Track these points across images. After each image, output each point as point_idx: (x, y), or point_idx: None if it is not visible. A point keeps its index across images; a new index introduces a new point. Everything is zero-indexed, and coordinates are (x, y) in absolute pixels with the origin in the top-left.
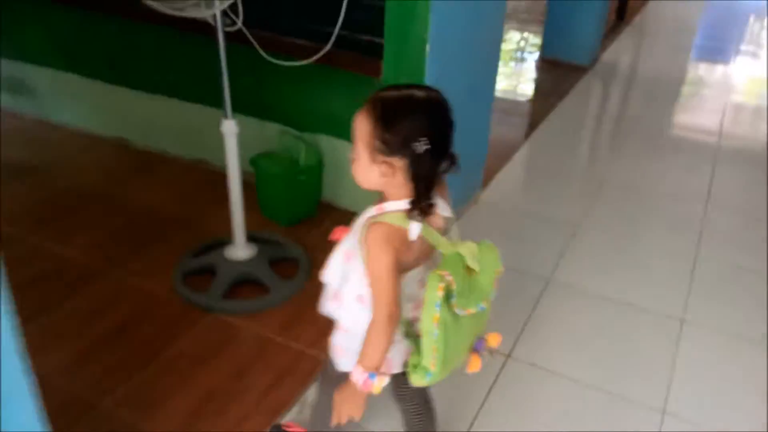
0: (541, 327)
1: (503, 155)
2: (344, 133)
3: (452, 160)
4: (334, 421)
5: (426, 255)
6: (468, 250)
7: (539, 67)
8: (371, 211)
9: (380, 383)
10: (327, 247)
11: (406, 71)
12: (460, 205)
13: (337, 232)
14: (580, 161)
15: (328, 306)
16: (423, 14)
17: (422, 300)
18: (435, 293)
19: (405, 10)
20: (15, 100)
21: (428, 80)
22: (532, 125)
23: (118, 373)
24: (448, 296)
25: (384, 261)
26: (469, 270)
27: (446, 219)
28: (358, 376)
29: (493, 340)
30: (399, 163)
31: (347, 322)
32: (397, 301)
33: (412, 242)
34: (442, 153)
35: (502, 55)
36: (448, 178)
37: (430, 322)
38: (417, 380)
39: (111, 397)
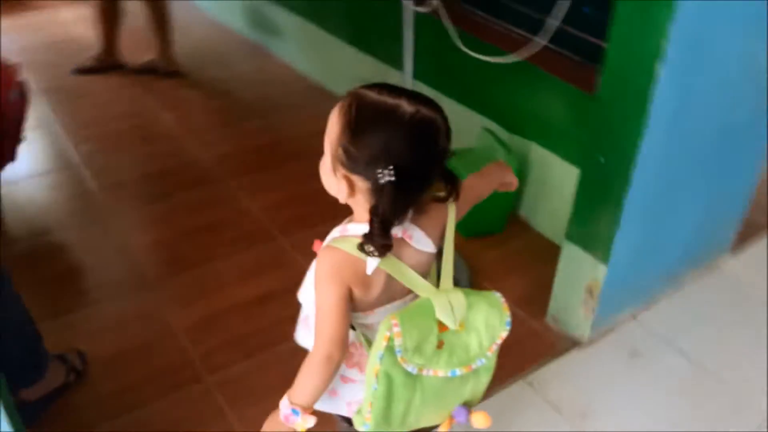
0: None
1: None
2: (557, 146)
3: (452, 186)
4: None
5: (405, 289)
6: (447, 299)
7: None
8: (335, 231)
9: (304, 423)
10: (498, 273)
11: (629, 92)
12: (691, 268)
13: (316, 245)
14: None
15: (299, 333)
16: (660, 17)
17: None
18: (380, 342)
19: (638, 9)
20: (267, 39)
21: (659, 108)
22: None
23: None
24: (393, 349)
25: (329, 294)
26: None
27: (429, 255)
28: (283, 408)
29: (480, 420)
30: (360, 183)
31: None
32: (339, 342)
33: (372, 277)
34: (414, 186)
35: None
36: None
37: (371, 373)
38: (357, 425)
39: None
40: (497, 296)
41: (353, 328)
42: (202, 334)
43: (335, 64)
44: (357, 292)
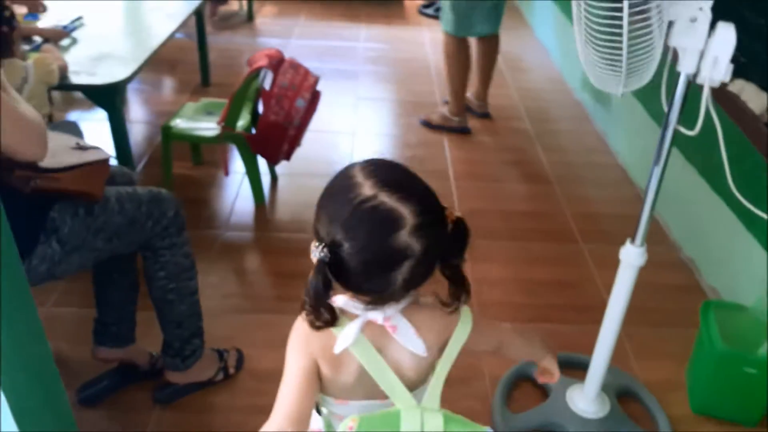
0: None
1: None
2: None
3: (456, 293)
4: None
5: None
6: (420, 418)
7: None
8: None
9: None
10: None
11: None
12: None
13: None
14: None
15: None
16: None
17: None
18: None
19: None
20: (593, 105)
21: None
22: None
23: None
24: None
25: (293, 363)
26: None
27: (422, 358)
28: None
29: None
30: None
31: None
32: (294, 419)
33: (341, 357)
34: (353, 275)
35: None
36: None
37: None
38: None
39: None
40: (482, 429)
41: (319, 411)
42: None
43: (648, 154)
44: (325, 370)
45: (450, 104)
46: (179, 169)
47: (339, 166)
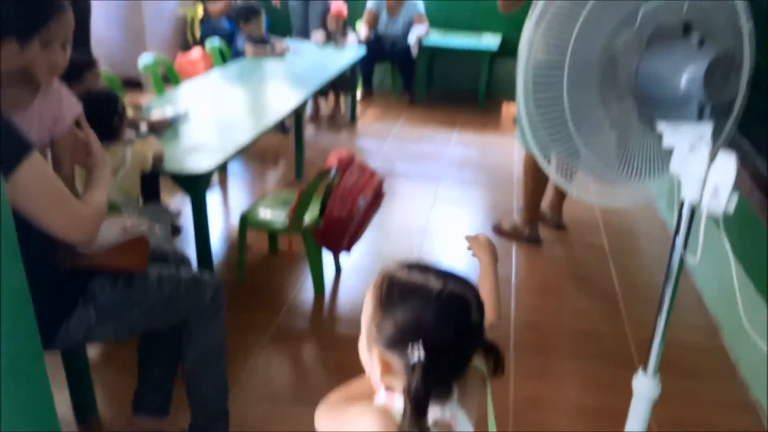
0: None
1: None
2: None
3: (496, 361)
4: None
5: None
6: None
7: None
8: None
9: None
10: None
11: None
12: None
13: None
14: None
15: None
16: None
17: None
18: None
19: None
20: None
21: None
22: None
23: None
24: None
25: None
26: None
27: None
28: None
29: None
30: (394, 362)
31: None
32: None
33: None
34: (448, 364)
35: None
36: None
37: None
38: None
39: None
40: None
41: None
42: None
43: (724, 281)
44: None
45: (522, 214)
46: (258, 253)
47: None
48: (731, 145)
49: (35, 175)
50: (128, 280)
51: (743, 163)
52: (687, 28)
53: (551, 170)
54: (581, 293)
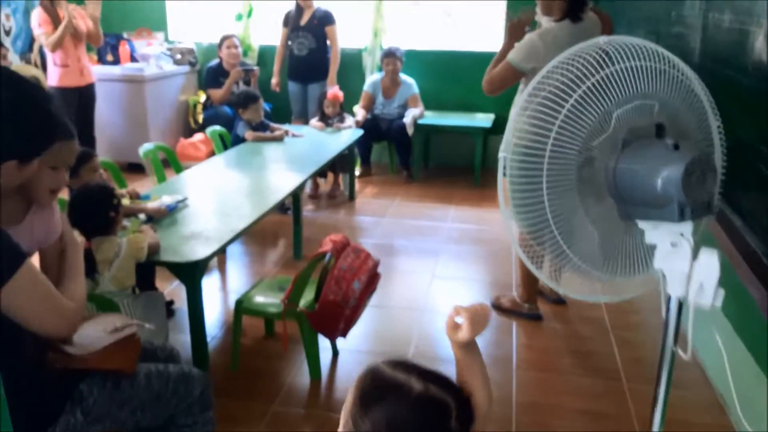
0: None
1: None
2: None
3: None
4: None
5: None
6: None
7: None
8: None
9: None
10: None
11: None
12: None
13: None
14: None
15: None
16: None
17: None
18: None
19: None
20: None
21: None
22: None
23: None
24: None
25: None
26: None
27: None
28: None
29: None
30: None
31: None
32: None
33: None
34: None
35: None
36: None
37: None
38: None
39: None
40: None
41: None
42: None
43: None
44: None
45: (520, 291)
46: (252, 338)
47: (402, 344)
48: (718, 216)
49: (29, 283)
50: (117, 380)
51: (730, 235)
52: (660, 129)
53: (543, 275)
54: (583, 370)
